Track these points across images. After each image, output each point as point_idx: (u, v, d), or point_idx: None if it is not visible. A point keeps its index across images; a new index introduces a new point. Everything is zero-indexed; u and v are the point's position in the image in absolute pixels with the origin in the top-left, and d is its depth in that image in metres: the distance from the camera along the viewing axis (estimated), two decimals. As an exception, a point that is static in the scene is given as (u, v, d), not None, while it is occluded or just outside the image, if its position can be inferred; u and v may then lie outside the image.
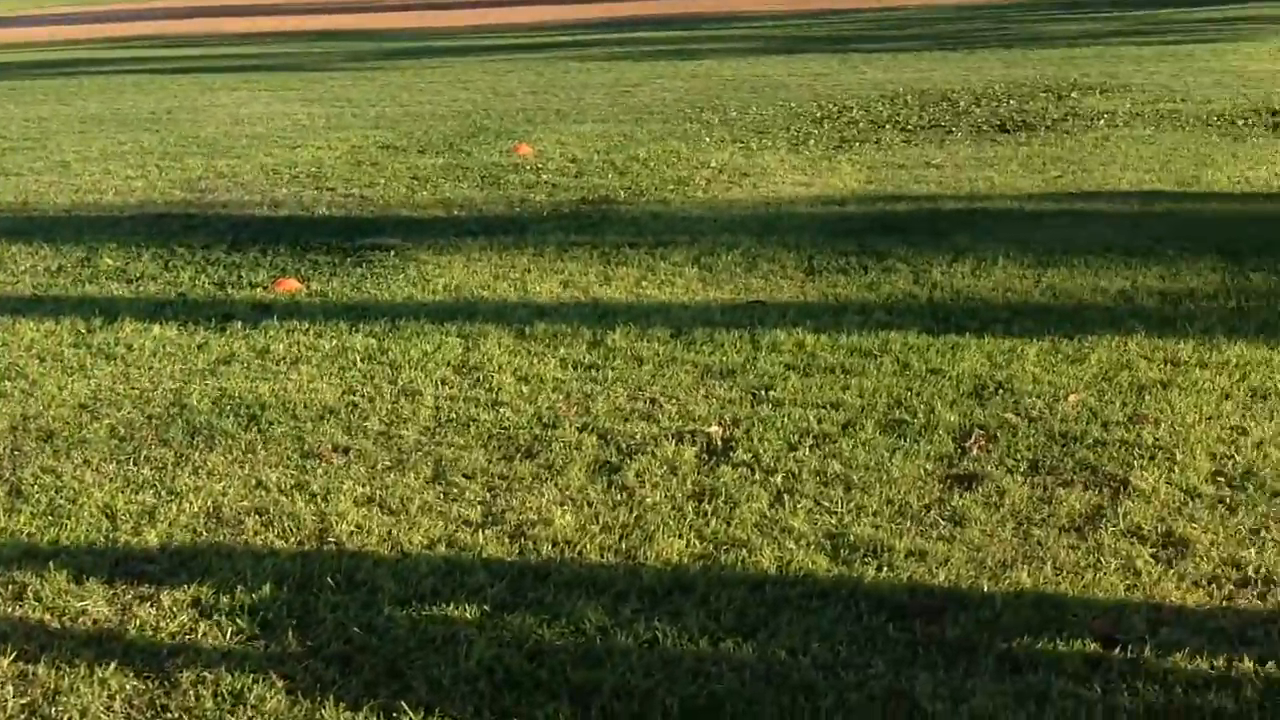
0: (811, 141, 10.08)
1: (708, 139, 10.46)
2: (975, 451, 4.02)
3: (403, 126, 11.97)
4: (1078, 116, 10.34)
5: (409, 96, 14.47)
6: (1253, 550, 3.32)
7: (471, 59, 18.77)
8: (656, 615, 3.10)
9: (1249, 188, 7.47)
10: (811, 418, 4.35)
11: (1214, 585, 3.17)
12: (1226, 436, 4.03)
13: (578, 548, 3.49)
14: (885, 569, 3.32)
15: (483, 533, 3.58)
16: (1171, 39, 15.66)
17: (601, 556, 3.44)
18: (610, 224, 7.55)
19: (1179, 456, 3.88)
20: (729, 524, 3.59)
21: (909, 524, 3.57)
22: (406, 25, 26.76)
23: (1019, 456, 3.97)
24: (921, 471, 3.90)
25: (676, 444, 4.17)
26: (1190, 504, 3.60)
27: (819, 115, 11.43)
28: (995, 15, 21.16)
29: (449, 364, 5.04)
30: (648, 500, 3.76)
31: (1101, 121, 10.01)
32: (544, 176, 9.18)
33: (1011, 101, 11.43)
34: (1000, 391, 4.50)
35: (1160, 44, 15.16)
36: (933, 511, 3.64)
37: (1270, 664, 2.81)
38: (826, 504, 3.71)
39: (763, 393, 4.60)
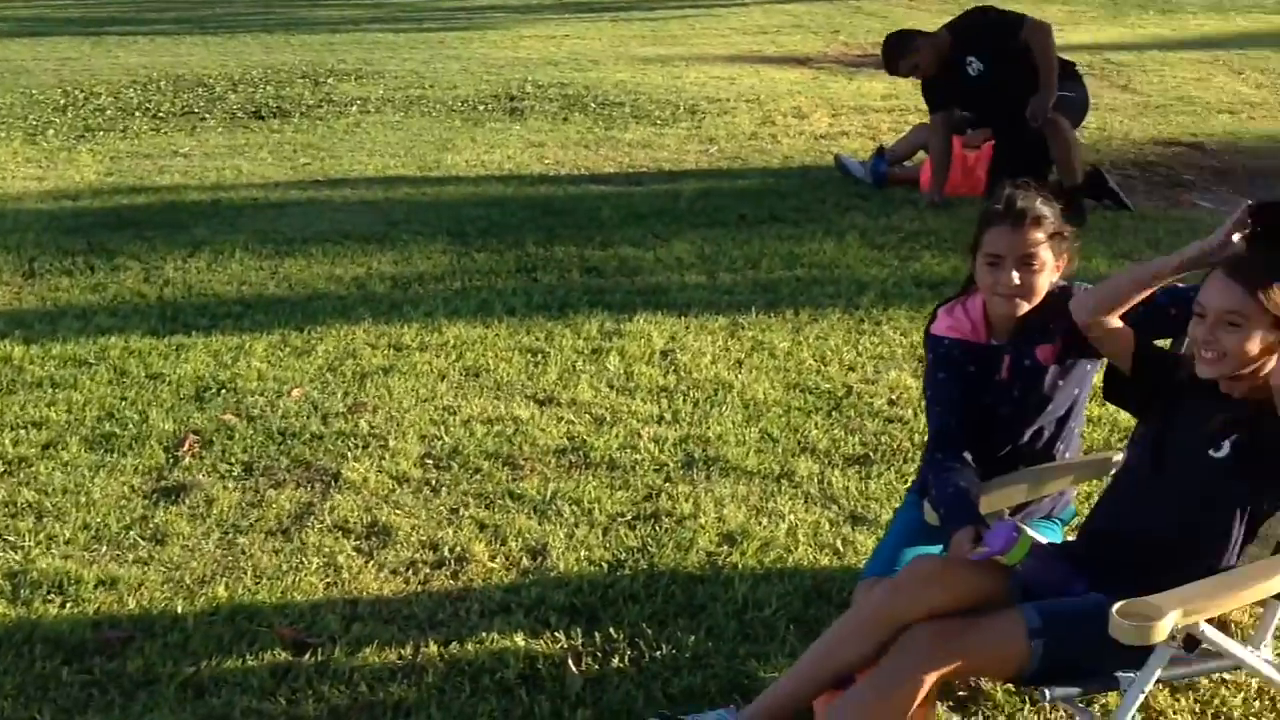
0: (51, 131, 9.28)
1: (-76, 130, 9.30)
2: (187, 460, 3.81)
3: None
4: (332, 103, 10.37)
5: None
6: (450, 529, 3.40)
7: None
8: None
9: (484, 170, 7.85)
10: (8, 441, 3.92)
11: (411, 571, 3.20)
12: (439, 417, 4.12)
13: None
14: (71, 604, 3.03)
15: None
16: (427, 26, 16.27)
17: None
18: None
19: (392, 443, 3.92)
20: (-117, 581, 3.11)
21: (105, 549, 3.29)
22: None
23: (233, 460, 3.81)
24: (126, 489, 3.63)
25: None
26: (398, 490, 3.63)
27: (63, 103, 10.56)
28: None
29: None
30: None
31: (354, 108, 10.11)
32: None
33: (269, 87, 11.24)
34: (223, 392, 4.32)
35: (415, 31, 15.69)
36: (133, 532, 3.38)
37: (454, 645, 2.87)
38: (12, 539, 3.33)
39: (-49, 419, 4.09)
